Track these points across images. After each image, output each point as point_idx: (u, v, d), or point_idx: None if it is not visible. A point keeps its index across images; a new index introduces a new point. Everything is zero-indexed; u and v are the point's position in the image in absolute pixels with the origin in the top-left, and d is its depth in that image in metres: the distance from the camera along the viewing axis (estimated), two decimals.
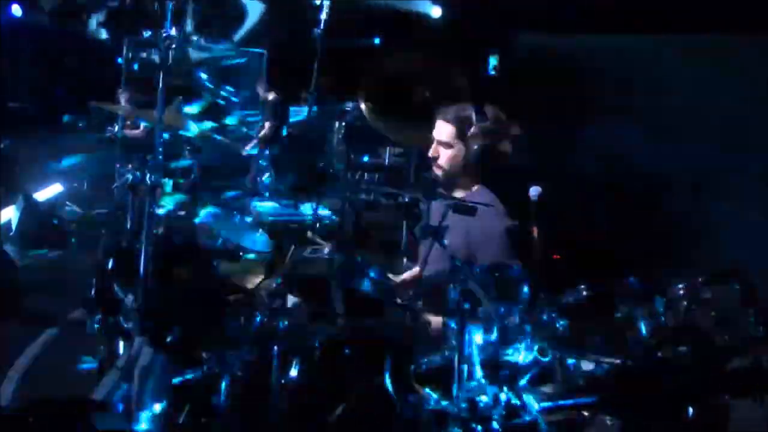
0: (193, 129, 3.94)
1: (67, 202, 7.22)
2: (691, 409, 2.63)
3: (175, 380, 3.01)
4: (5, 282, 5.48)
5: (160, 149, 3.23)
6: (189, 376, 2.97)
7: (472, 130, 3.37)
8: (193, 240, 3.38)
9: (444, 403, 2.56)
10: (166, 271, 3.23)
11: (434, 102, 4.89)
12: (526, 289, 2.68)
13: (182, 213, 3.83)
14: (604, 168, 5.56)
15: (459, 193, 3.44)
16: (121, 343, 3.39)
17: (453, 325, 2.61)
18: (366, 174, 6.60)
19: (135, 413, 3.00)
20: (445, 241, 2.86)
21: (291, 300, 3.07)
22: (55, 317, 4.99)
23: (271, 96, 7.52)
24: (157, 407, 3.02)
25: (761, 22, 4.45)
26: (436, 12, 6.82)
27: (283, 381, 2.87)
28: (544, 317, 2.72)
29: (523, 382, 2.62)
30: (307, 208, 4.27)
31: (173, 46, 3.26)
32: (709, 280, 2.80)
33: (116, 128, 7.24)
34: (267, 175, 6.35)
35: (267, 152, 6.87)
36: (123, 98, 7.14)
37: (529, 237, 3.28)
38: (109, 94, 6.99)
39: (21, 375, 4.38)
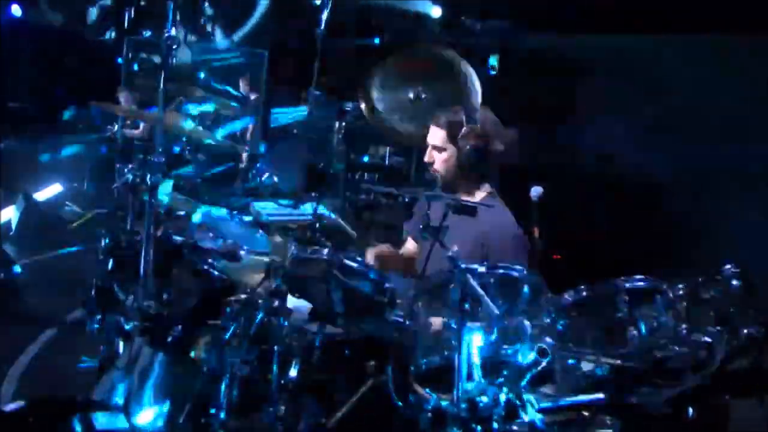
0: (190, 126, 3.95)
1: (67, 202, 7.22)
2: (691, 409, 2.63)
3: (175, 380, 3.02)
4: (5, 282, 5.48)
5: (160, 149, 3.23)
6: (189, 376, 2.97)
7: (462, 132, 3.41)
8: (193, 240, 3.37)
9: (444, 403, 2.57)
10: (166, 271, 3.23)
11: (434, 102, 4.91)
12: (527, 289, 2.68)
13: (182, 213, 3.82)
14: (604, 168, 5.57)
15: (464, 197, 3.45)
16: (121, 343, 3.39)
17: (453, 325, 2.61)
18: (366, 174, 6.59)
19: (135, 413, 3.01)
20: (449, 243, 2.87)
21: (291, 300, 3.07)
22: (55, 317, 4.98)
23: (253, 96, 7.50)
24: (157, 407, 3.02)
25: (761, 22, 4.46)
26: (436, 12, 6.81)
27: (283, 381, 2.87)
28: (545, 317, 2.73)
29: (523, 382, 2.62)
30: (307, 208, 4.27)
31: (174, 46, 3.26)
32: (710, 280, 2.80)
33: (116, 128, 7.23)
34: (267, 175, 6.35)
35: (267, 152, 6.88)
36: (123, 98, 7.13)
37: (530, 237, 3.29)
38: (109, 94, 6.98)
39: (21, 375, 4.38)
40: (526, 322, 2.64)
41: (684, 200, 4.93)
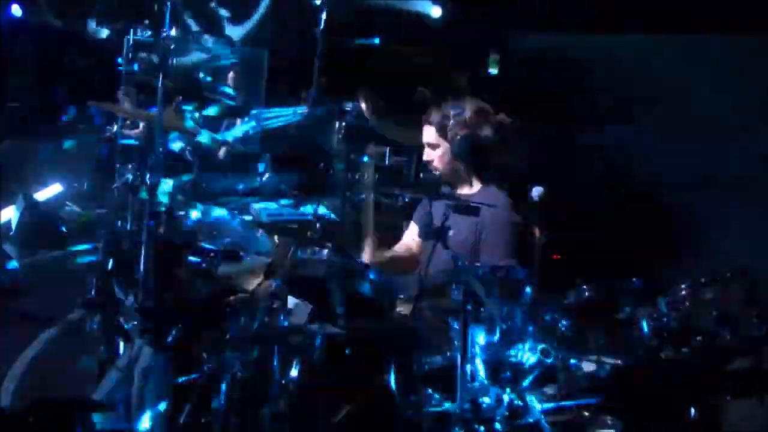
0: (204, 136, 3.95)
1: (67, 202, 7.21)
2: (692, 409, 2.63)
3: (175, 380, 3.02)
4: (5, 282, 5.47)
5: (160, 149, 3.23)
6: (189, 376, 2.97)
7: (451, 124, 3.43)
8: (193, 240, 3.37)
9: (447, 403, 2.56)
10: (166, 271, 3.23)
11: (434, 102, 4.91)
12: (528, 289, 2.68)
13: (182, 213, 3.81)
14: (605, 168, 5.56)
15: (465, 190, 3.46)
16: (121, 343, 3.39)
17: (456, 325, 2.61)
18: (366, 173, 6.58)
19: (135, 413, 3.00)
20: (451, 238, 2.88)
21: (291, 301, 3.07)
22: (55, 317, 4.97)
23: (241, 92, 7.45)
24: (157, 407, 3.02)
25: (761, 22, 4.45)
26: (436, 12, 6.81)
27: (283, 381, 2.87)
28: (547, 318, 2.72)
29: (525, 383, 2.62)
30: (307, 208, 4.26)
31: (173, 46, 3.26)
32: (711, 281, 2.80)
33: (116, 128, 7.22)
34: (267, 175, 6.34)
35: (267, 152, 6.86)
36: (123, 98, 7.12)
37: (531, 237, 3.29)
38: (109, 94, 6.98)
39: (21, 375, 4.37)
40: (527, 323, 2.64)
41: (685, 200, 4.92)
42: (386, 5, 7.22)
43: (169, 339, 3.04)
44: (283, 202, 4.51)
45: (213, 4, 6.73)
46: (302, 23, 7.16)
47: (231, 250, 3.35)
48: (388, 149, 6.59)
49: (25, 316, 5.07)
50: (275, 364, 2.86)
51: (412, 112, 4.98)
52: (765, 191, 4.30)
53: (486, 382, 2.57)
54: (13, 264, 5.65)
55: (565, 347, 2.70)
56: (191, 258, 3.26)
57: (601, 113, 5.81)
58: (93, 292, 3.37)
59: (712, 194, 4.66)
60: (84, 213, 7.03)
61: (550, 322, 2.73)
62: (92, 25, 7.47)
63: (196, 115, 4.17)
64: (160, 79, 3.24)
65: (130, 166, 3.40)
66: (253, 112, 6.11)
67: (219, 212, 3.77)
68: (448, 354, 2.68)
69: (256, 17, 7.04)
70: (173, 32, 3.49)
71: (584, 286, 2.81)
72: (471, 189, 3.47)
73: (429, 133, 3.53)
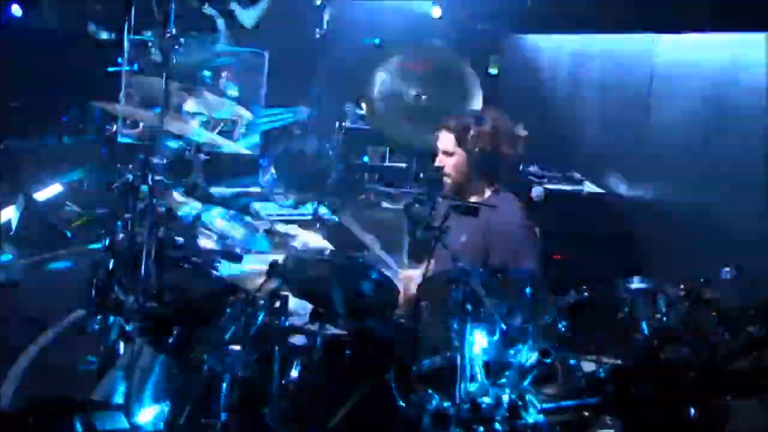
0: (202, 134, 3.95)
1: (67, 202, 7.21)
2: (692, 410, 2.63)
3: (175, 381, 3.02)
4: (4, 282, 5.48)
5: (160, 150, 3.23)
6: (189, 377, 2.97)
7: (471, 134, 3.40)
8: (193, 240, 3.37)
9: (446, 404, 2.56)
10: (166, 271, 3.23)
11: (434, 102, 4.91)
12: (529, 290, 2.68)
13: (182, 213, 3.82)
14: (605, 168, 5.57)
15: (474, 198, 3.45)
16: (121, 344, 3.39)
17: (456, 326, 2.61)
18: (366, 174, 6.60)
19: (135, 413, 3.00)
20: (462, 239, 2.88)
21: (292, 301, 3.07)
22: (55, 317, 4.98)
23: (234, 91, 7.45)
24: (157, 407, 3.02)
25: (761, 22, 4.45)
26: (436, 12, 6.82)
27: (283, 381, 2.87)
28: (547, 318, 2.73)
29: (525, 383, 2.62)
30: (307, 208, 4.27)
31: (174, 46, 3.26)
32: (711, 281, 2.80)
33: (116, 128, 7.22)
34: (267, 175, 6.35)
35: (267, 152, 6.87)
36: (123, 98, 7.12)
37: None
38: (109, 94, 6.97)
39: (21, 375, 4.37)
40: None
41: (685, 200, 4.92)
42: (386, 5, 7.23)
43: (169, 339, 3.04)
44: (283, 202, 4.52)
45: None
46: (302, 23, 7.18)
47: (231, 250, 3.35)
48: (388, 150, 6.61)
49: (25, 316, 5.08)
50: (275, 364, 2.86)
51: (413, 113, 5.00)
52: (765, 191, 4.30)
53: (486, 382, 2.57)
54: (11, 261, 5.67)
55: (565, 347, 2.71)
56: (191, 258, 3.25)
57: (601, 112, 5.83)
58: (93, 292, 3.36)
59: (713, 194, 4.65)
60: (84, 213, 7.04)
61: (550, 322, 2.73)
62: (92, 26, 7.48)
63: (197, 115, 4.17)
64: (163, 78, 3.23)
65: (130, 166, 3.39)
66: (253, 112, 6.10)
67: (219, 212, 3.77)
68: (448, 354, 2.68)
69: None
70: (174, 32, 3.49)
71: (583, 286, 2.81)
72: (480, 197, 3.47)
73: (446, 141, 3.49)
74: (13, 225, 6.50)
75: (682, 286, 2.79)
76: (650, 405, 2.67)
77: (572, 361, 2.72)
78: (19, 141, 7.35)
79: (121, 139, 6.93)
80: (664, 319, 2.73)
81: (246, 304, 2.94)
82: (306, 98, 6.76)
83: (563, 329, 2.74)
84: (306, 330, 2.99)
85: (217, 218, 3.65)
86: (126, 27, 6.89)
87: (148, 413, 3.03)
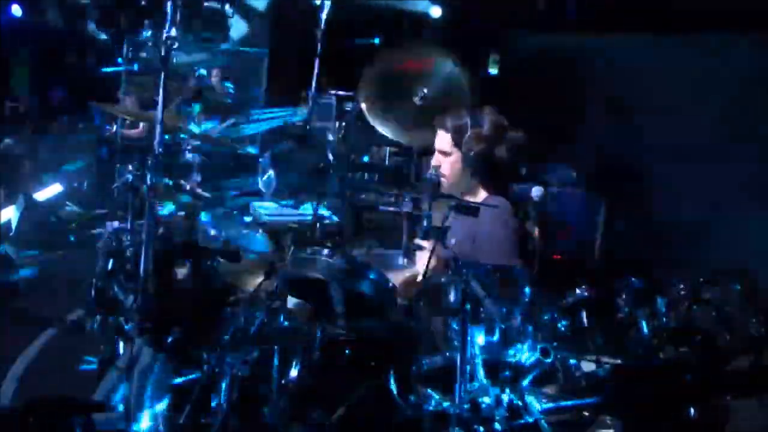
0: (195, 128, 3.94)
1: (67, 202, 7.22)
2: (692, 409, 2.63)
3: (175, 380, 3.01)
4: (5, 282, 5.48)
5: (161, 149, 3.22)
6: (189, 376, 2.97)
7: (468, 136, 3.39)
8: (193, 240, 3.37)
9: (446, 403, 2.56)
10: (166, 272, 3.22)
11: (434, 102, 4.90)
12: (527, 289, 2.68)
13: (182, 213, 3.82)
14: (606, 167, 5.57)
15: (468, 199, 3.43)
16: (121, 343, 3.39)
17: (455, 326, 2.61)
18: (366, 174, 6.59)
19: (135, 413, 3.00)
20: (452, 241, 2.87)
21: (291, 301, 3.07)
22: (55, 317, 4.98)
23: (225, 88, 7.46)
24: (157, 407, 3.02)
25: (761, 22, 4.45)
26: (436, 12, 6.82)
27: (283, 381, 2.87)
28: (546, 318, 2.72)
29: (525, 383, 2.62)
30: (307, 208, 4.27)
31: (174, 46, 3.25)
32: (711, 281, 2.80)
33: (115, 128, 7.23)
34: (267, 175, 6.34)
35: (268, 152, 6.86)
36: (123, 98, 7.13)
37: (530, 239, 3.29)
38: (109, 94, 6.99)
39: (21, 375, 4.37)
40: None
41: (685, 200, 4.93)
42: (386, 5, 7.23)
43: (169, 339, 3.03)
44: (284, 202, 4.51)
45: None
46: (302, 23, 7.17)
47: (231, 249, 3.34)
48: (388, 150, 6.61)
49: (25, 316, 5.08)
50: (275, 364, 2.86)
51: (412, 113, 4.99)
52: (765, 191, 4.30)
53: (485, 382, 2.57)
54: (11, 261, 5.67)
55: (564, 347, 2.70)
56: (191, 258, 3.25)
57: (601, 112, 5.83)
58: (93, 292, 3.36)
59: (713, 194, 4.66)
60: (84, 213, 7.05)
61: (550, 322, 2.73)
62: (92, 26, 7.48)
63: (195, 114, 4.17)
64: (161, 78, 3.22)
65: (130, 166, 3.38)
66: (253, 112, 6.10)
67: (218, 212, 3.77)
68: (448, 354, 2.68)
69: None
70: (174, 32, 3.47)
71: (583, 286, 2.81)
72: (475, 197, 3.45)
73: (442, 140, 3.48)
74: (13, 225, 6.51)
75: (681, 286, 2.79)
76: (650, 405, 2.67)
77: (572, 361, 2.72)
78: (18, 141, 7.36)
79: (120, 140, 6.94)
80: (664, 319, 2.73)
81: (245, 304, 2.94)
82: (305, 98, 6.76)
83: (563, 329, 2.74)
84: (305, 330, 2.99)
85: (217, 218, 3.65)
86: (126, 27, 6.90)
87: (148, 413, 3.03)
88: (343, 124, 6.60)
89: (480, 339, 2.61)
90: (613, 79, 5.70)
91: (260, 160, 4.84)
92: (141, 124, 6.85)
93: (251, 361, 2.87)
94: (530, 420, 2.53)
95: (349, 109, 6.68)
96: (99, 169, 7.59)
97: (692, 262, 4.46)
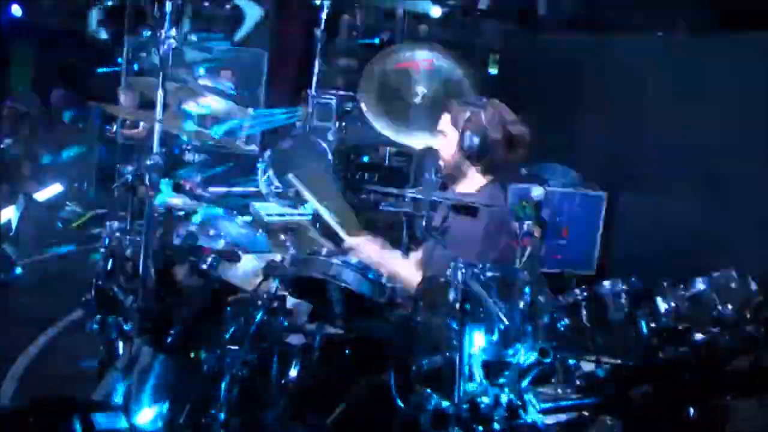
0: (192, 127, 3.95)
1: (67, 202, 7.22)
2: (692, 410, 2.63)
3: (175, 380, 3.02)
4: (5, 282, 5.49)
5: (161, 149, 3.23)
6: (189, 377, 2.97)
7: (465, 116, 3.39)
8: (193, 240, 3.37)
9: (445, 404, 2.56)
10: (165, 272, 3.23)
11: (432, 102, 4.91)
12: (527, 289, 2.67)
13: (182, 213, 3.82)
14: (606, 168, 5.56)
15: (465, 186, 3.43)
16: (121, 343, 3.39)
17: (454, 325, 2.60)
18: (366, 174, 6.59)
19: (135, 413, 3.00)
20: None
21: (291, 301, 3.07)
22: (55, 317, 4.98)
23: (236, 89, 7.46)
24: (157, 407, 3.02)
25: (761, 22, 4.45)
26: (435, 12, 6.82)
27: (283, 381, 2.87)
28: (546, 318, 2.72)
29: (524, 383, 2.61)
30: (306, 208, 4.27)
31: (173, 46, 3.26)
32: (711, 281, 2.80)
33: (116, 128, 7.24)
34: (267, 175, 6.34)
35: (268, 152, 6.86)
36: (123, 98, 7.13)
37: (532, 237, 3.27)
38: (109, 94, 6.98)
39: (21, 375, 4.38)
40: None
41: (685, 200, 4.93)
42: (386, 5, 7.24)
43: (169, 339, 3.03)
44: (283, 202, 4.51)
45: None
46: (302, 23, 7.18)
47: (231, 250, 3.34)
48: (388, 150, 6.60)
49: (25, 316, 5.08)
50: (275, 364, 2.86)
51: (411, 113, 4.99)
52: (765, 191, 4.30)
53: (484, 382, 2.57)
54: (11, 261, 5.67)
55: (564, 347, 2.70)
56: (191, 258, 3.25)
57: (602, 112, 5.82)
58: (93, 292, 3.36)
59: (713, 194, 4.66)
60: (84, 213, 7.05)
61: (550, 322, 2.73)
62: (92, 26, 7.48)
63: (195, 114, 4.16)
64: (161, 79, 3.23)
65: (130, 166, 3.38)
66: (253, 112, 6.09)
67: (219, 212, 3.76)
68: (447, 354, 2.67)
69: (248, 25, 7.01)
70: (173, 32, 3.48)
71: (583, 286, 2.81)
72: (472, 185, 3.44)
73: (444, 121, 3.51)
74: (13, 225, 6.51)
75: (681, 286, 2.79)
76: (650, 405, 2.67)
77: (572, 361, 2.72)
78: (18, 141, 7.36)
79: (121, 140, 6.94)
80: (664, 319, 2.73)
81: (245, 304, 2.94)
82: (305, 98, 6.75)
83: (563, 329, 2.74)
84: (305, 329, 2.99)
85: (216, 217, 3.64)
86: (125, 27, 6.91)
87: (148, 413, 3.03)
88: (344, 124, 6.60)
89: (479, 339, 2.61)
90: (613, 79, 5.70)
91: (260, 160, 4.83)
92: (141, 124, 6.85)
93: (251, 361, 2.87)
94: (529, 420, 2.53)
95: (349, 109, 6.68)
96: (99, 169, 7.60)
97: (692, 262, 4.45)
